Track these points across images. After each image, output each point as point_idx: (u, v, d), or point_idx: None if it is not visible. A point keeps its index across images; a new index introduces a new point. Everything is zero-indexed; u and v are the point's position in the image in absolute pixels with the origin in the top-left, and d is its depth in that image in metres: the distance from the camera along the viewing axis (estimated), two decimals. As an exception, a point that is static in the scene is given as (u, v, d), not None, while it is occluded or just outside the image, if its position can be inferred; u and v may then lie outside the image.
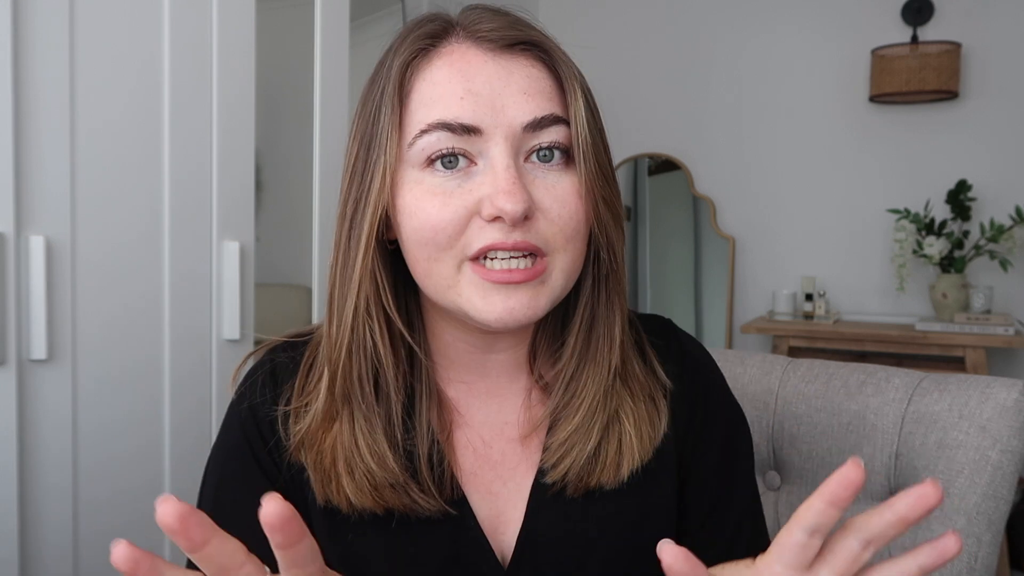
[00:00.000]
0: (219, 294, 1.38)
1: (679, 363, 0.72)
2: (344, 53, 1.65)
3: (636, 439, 0.65)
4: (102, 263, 1.21)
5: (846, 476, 0.44)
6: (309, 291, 1.69)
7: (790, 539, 0.47)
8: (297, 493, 0.66)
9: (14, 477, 1.11)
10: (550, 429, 0.66)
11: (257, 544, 0.63)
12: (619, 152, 3.34)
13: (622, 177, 3.35)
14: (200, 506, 0.68)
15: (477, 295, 0.59)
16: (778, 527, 0.94)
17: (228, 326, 1.38)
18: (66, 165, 1.16)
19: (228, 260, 1.38)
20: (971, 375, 0.90)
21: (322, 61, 1.60)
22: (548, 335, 0.69)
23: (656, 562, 0.65)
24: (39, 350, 1.13)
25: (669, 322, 0.76)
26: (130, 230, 1.25)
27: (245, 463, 0.67)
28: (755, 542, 0.72)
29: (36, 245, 1.12)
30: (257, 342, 1.44)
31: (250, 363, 0.72)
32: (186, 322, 1.33)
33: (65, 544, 1.18)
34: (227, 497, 0.67)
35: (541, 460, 0.66)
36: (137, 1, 1.24)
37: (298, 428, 0.65)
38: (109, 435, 1.23)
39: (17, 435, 1.11)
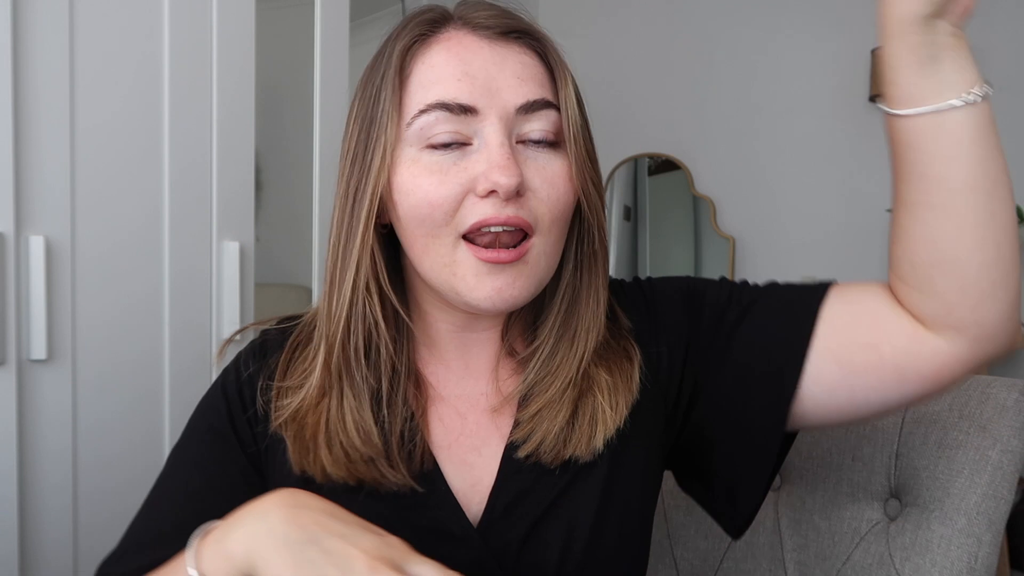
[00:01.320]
0: (219, 294, 1.38)
1: (631, 304, 0.73)
2: (344, 53, 1.65)
3: (610, 409, 0.66)
4: (102, 263, 1.21)
5: None
6: (309, 291, 1.69)
7: None
8: (271, 462, 0.69)
9: (14, 477, 1.11)
10: (522, 402, 0.68)
11: (204, 499, 0.67)
12: (619, 152, 3.34)
13: (622, 177, 3.35)
14: (173, 452, 0.73)
15: (471, 273, 0.62)
16: (779, 528, 0.94)
17: (228, 326, 1.38)
18: (66, 165, 1.16)
19: (228, 260, 1.38)
20: (971, 375, 0.90)
21: (322, 61, 1.60)
22: (525, 311, 0.71)
23: (619, 531, 0.66)
24: (39, 350, 1.13)
25: (620, 281, 0.78)
26: (130, 230, 1.25)
27: (219, 423, 0.71)
28: (806, 305, 0.68)
29: (36, 245, 1.12)
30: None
31: (239, 338, 0.77)
32: (186, 322, 1.33)
33: (65, 544, 1.18)
34: (193, 447, 0.71)
35: (511, 432, 0.68)
36: (137, 1, 1.24)
37: (287, 402, 0.67)
38: (109, 435, 1.23)
39: (17, 435, 1.11)
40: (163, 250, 1.29)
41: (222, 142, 1.37)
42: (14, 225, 1.10)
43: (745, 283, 0.73)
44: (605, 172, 3.35)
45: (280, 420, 0.67)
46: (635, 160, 3.33)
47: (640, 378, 0.68)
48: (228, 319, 1.38)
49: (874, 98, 2.82)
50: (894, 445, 0.87)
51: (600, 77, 3.24)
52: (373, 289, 0.65)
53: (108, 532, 1.23)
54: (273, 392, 0.68)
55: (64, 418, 1.17)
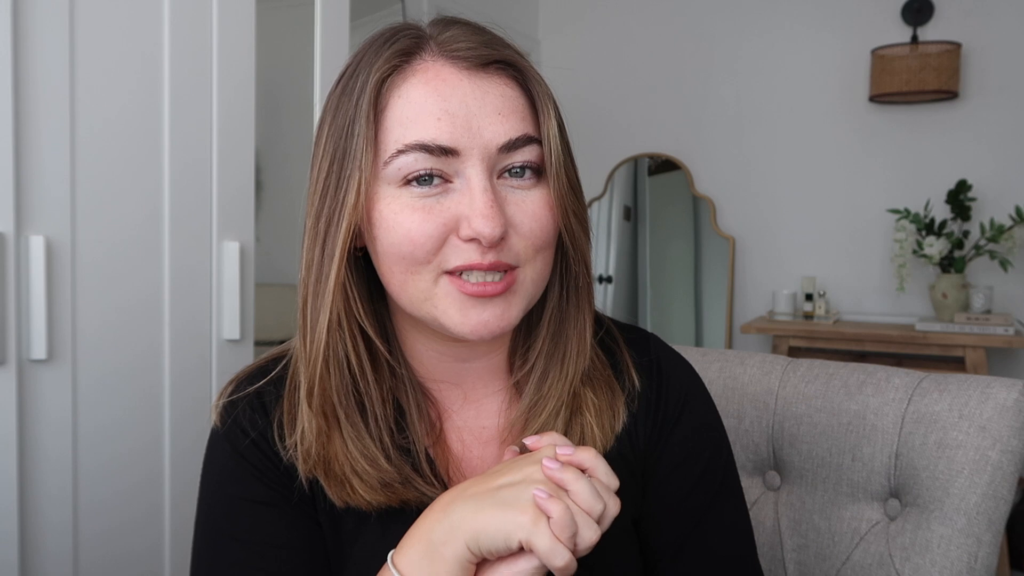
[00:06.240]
0: (219, 294, 1.38)
1: (652, 376, 0.73)
2: (344, 53, 1.65)
3: (597, 428, 0.68)
4: (102, 263, 1.21)
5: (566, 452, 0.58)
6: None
7: None
8: (308, 509, 0.67)
9: (14, 477, 1.11)
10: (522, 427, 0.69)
11: (281, 561, 0.65)
12: (619, 152, 3.34)
13: (622, 177, 3.35)
14: (202, 541, 0.67)
15: (454, 307, 0.61)
16: (779, 528, 0.94)
17: (228, 326, 1.38)
18: (66, 165, 1.16)
19: (228, 260, 1.38)
20: (971, 375, 0.90)
21: (322, 61, 1.60)
22: (521, 341, 0.71)
23: (613, 545, 0.66)
24: (39, 350, 1.13)
25: (651, 336, 0.77)
26: (130, 230, 1.25)
27: (256, 490, 0.67)
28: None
29: (36, 245, 1.12)
30: (257, 343, 1.45)
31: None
32: (186, 322, 1.33)
33: (65, 544, 1.18)
34: (246, 522, 0.66)
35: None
36: (137, 1, 1.24)
37: (304, 448, 0.65)
38: (109, 435, 1.23)
39: (17, 435, 1.11)
40: (163, 250, 1.29)
41: (222, 142, 1.37)
42: (14, 225, 1.10)
43: (736, 482, 0.74)
44: (605, 172, 3.35)
45: (306, 466, 0.65)
46: (635, 160, 3.33)
47: (625, 417, 0.70)
48: (228, 319, 1.38)
49: (874, 98, 2.82)
50: (894, 445, 0.87)
51: (601, 77, 3.23)
52: (348, 325, 0.63)
53: (108, 532, 1.23)
54: (290, 445, 0.66)
55: (64, 418, 1.17)
